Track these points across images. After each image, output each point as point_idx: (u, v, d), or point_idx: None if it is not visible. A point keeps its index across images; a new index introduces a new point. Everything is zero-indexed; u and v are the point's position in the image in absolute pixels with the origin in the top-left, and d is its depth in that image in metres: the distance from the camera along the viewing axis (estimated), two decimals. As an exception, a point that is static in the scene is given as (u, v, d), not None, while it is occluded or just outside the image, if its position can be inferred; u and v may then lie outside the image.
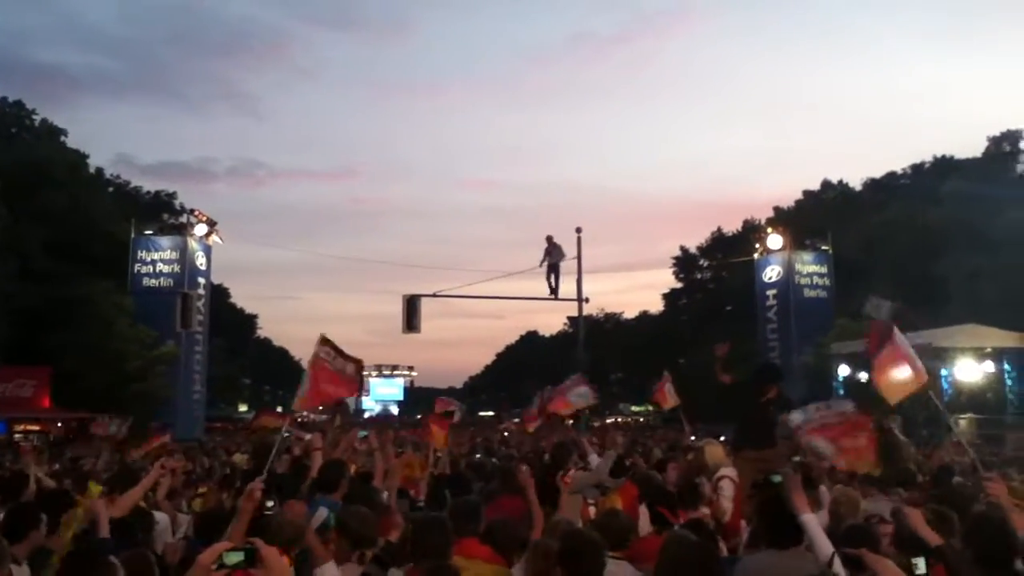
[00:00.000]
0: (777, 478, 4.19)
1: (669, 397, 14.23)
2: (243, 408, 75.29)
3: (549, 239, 24.62)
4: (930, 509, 5.24)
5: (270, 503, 5.22)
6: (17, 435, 28.82)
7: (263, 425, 21.75)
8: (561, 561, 4.08)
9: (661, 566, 3.74)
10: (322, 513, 5.54)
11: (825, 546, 3.83)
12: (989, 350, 27.86)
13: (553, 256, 24.45)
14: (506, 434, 28.00)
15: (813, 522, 3.94)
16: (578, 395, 11.73)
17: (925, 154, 53.48)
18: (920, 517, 4.32)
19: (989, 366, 28.14)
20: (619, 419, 71.44)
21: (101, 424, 18.35)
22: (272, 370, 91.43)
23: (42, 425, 30.65)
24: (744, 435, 8.55)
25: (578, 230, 23.33)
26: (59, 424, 31.07)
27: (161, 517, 6.51)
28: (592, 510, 7.23)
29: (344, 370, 6.61)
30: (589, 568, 4.03)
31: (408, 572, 4.17)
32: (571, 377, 12.79)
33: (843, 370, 33.65)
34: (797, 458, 9.27)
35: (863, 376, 32.50)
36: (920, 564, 3.54)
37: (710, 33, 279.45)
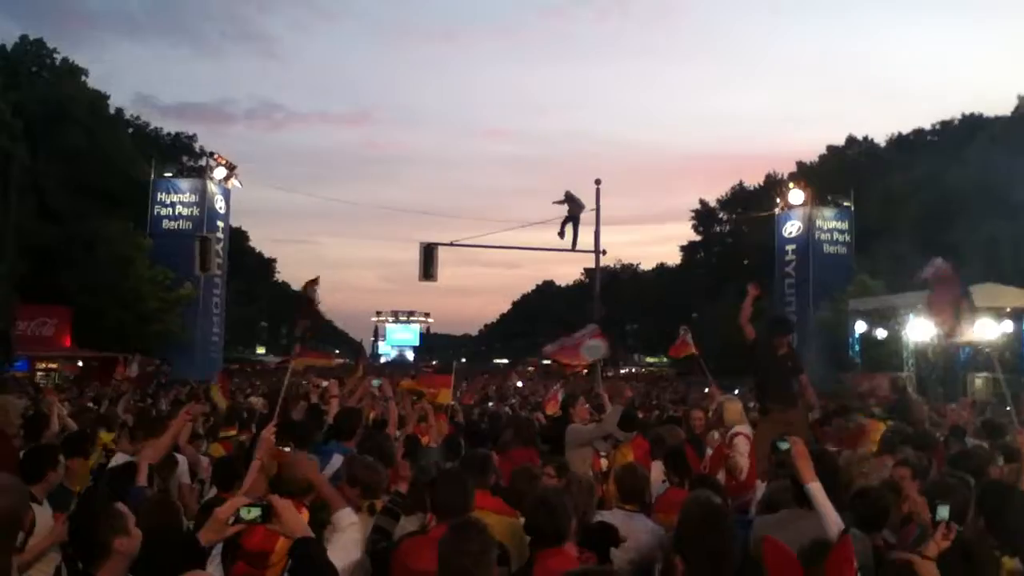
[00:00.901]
0: (784, 445, 4.18)
1: (686, 347, 13.85)
2: (261, 350, 76.08)
3: (566, 193, 24.44)
4: (945, 473, 5.24)
5: (286, 449, 5.28)
6: (39, 373, 29.25)
7: (311, 364, 22.00)
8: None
9: (682, 525, 3.77)
10: (337, 460, 5.60)
11: (832, 517, 3.83)
12: (1008, 310, 27.64)
13: (571, 208, 24.30)
14: (519, 384, 28.19)
15: (819, 491, 3.92)
16: (590, 348, 11.47)
17: (955, 112, 52.48)
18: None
19: (1008, 326, 27.94)
20: (633, 369, 71.73)
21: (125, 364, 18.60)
22: (290, 314, 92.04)
23: (64, 365, 31.08)
24: (765, 394, 8.62)
25: (597, 182, 23.10)
26: (79, 363, 31.47)
27: (180, 459, 6.61)
28: (603, 462, 7.30)
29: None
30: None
31: (432, 527, 4.19)
32: (587, 327, 12.31)
33: (859, 326, 33.54)
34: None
35: (879, 333, 32.46)
36: (942, 511, 3.53)
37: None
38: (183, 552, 2.87)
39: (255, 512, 2.79)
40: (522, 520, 4.37)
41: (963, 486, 4.53)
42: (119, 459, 6.28)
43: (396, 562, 3.98)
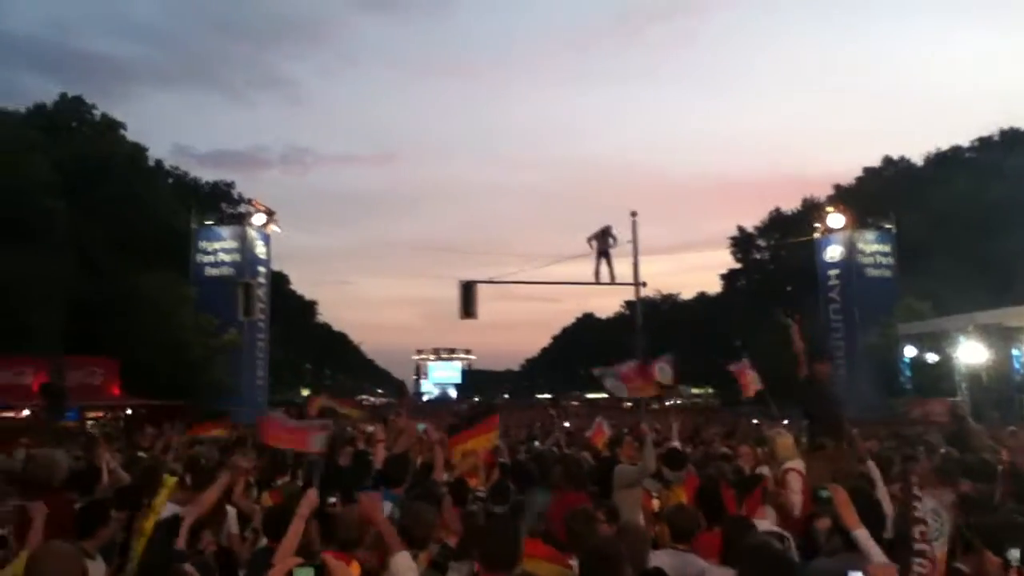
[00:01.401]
0: (825, 494, 4.09)
1: (752, 384, 13.28)
2: (305, 392, 76.63)
3: (602, 229, 24.59)
4: (1011, 509, 5.04)
5: (332, 500, 5.27)
6: (89, 422, 29.63)
7: (330, 407, 22.06)
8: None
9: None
10: (386, 508, 5.57)
11: (882, 562, 3.73)
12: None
13: (600, 244, 24.43)
14: (566, 424, 27.90)
15: (866, 537, 3.83)
16: (663, 370, 11.20)
17: (992, 128, 51.80)
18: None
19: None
20: (678, 401, 70.95)
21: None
22: (332, 354, 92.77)
23: (113, 413, 31.46)
24: (817, 428, 8.37)
25: (633, 214, 23.10)
26: (129, 412, 31.86)
27: (230, 511, 6.62)
28: (656, 503, 7.18)
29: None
30: None
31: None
32: (661, 356, 11.75)
33: (909, 351, 32.94)
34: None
35: (930, 357, 31.82)
36: (1013, 553, 3.38)
37: (759, 10, 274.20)
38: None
39: (308, 573, 2.77)
40: (574, 566, 4.30)
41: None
42: (168, 510, 6.29)
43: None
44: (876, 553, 3.78)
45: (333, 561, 2.83)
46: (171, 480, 7.49)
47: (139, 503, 5.22)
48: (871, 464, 8.63)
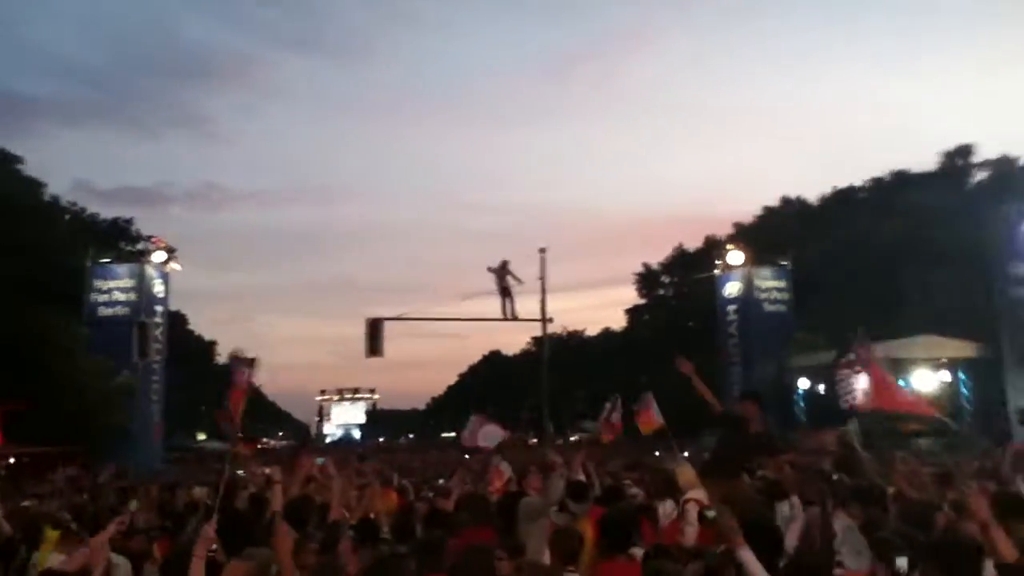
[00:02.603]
0: (711, 514, 4.24)
1: (652, 422, 13.53)
2: (201, 436, 73.92)
3: (500, 265, 24.69)
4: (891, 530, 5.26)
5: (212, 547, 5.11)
6: (-30, 472, 27.98)
7: (243, 455, 21.59)
8: None
9: None
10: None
11: None
12: (944, 360, 28.38)
13: (500, 279, 24.53)
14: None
15: (749, 556, 3.94)
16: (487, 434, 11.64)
17: (883, 170, 54.40)
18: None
19: (945, 375, 28.64)
20: (581, 436, 71.30)
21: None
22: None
23: (-3, 462, 29.79)
24: (716, 463, 8.39)
25: (542, 250, 23.27)
26: (11, 460, 30.21)
27: (120, 561, 6.33)
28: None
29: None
30: None
31: None
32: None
33: (803, 383, 34.08)
34: (761, 472, 9.32)
35: (821, 388, 32.98)
36: (901, 562, 3.56)
37: (669, 53, 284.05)
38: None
39: None
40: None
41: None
42: (53, 559, 5.98)
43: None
44: (757, 572, 3.87)
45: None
46: (53, 533, 7.14)
47: (15, 554, 4.95)
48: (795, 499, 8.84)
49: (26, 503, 12.60)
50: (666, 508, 8.00)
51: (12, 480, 24.50)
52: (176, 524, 8.67)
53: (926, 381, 27.67)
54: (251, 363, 7.15)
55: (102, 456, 32.46)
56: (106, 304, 37.73)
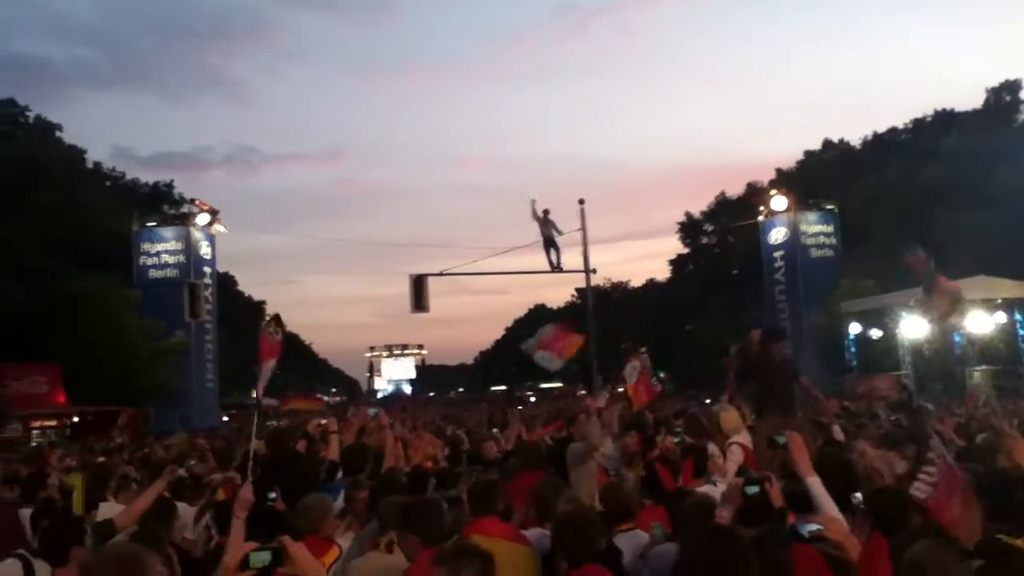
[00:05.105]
0: (781, 439, 4.16)
1: (643, 393, 9.81)
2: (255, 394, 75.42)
3: (544, 212, 24.47)
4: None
5: (272, 494, 5.24)
6: (34, 431, 28.94)
7: (295, 408, 22.15)
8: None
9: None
10: (339, 500, 5.53)
11: (832, 511, 3.78)
12: (1000, 301, 27.71)
13: (544, 231, 24.32)
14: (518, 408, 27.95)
15: (817, 485, 3.88)
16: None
17: (927, 110, 52.96)
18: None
19: (1001, 317, 28.00)
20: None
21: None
22: (283, 355, 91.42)
23: (59, 421, 30.76)
24: (765, 403, 8.47)
25: (581, 202, 23.16)
26: (75, 419, 31.17)
27: (183, 508, 6.51)
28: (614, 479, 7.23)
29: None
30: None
31: (418, 556, 4.15)
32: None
33: (854, 328, 33.59)
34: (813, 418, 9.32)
35: (874, 333, 32.49)
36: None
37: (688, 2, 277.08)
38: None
39: (265, 556, 2.66)
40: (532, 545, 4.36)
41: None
42: (110, 510, 6.12)
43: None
44: (828, 505, 3.81)
45: (292, 542, 2.72)
46: (76, 479, 7.42)
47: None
48: (836, 427, 8.85)
49: (101, 459, 13.04)
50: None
51: (76, 438, 25.32)
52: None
53: (981, 323, 27.00)
54: (275, 323, 7.20)
55: (162, 414, 33.48)
56: (155, 267, 38.45)
